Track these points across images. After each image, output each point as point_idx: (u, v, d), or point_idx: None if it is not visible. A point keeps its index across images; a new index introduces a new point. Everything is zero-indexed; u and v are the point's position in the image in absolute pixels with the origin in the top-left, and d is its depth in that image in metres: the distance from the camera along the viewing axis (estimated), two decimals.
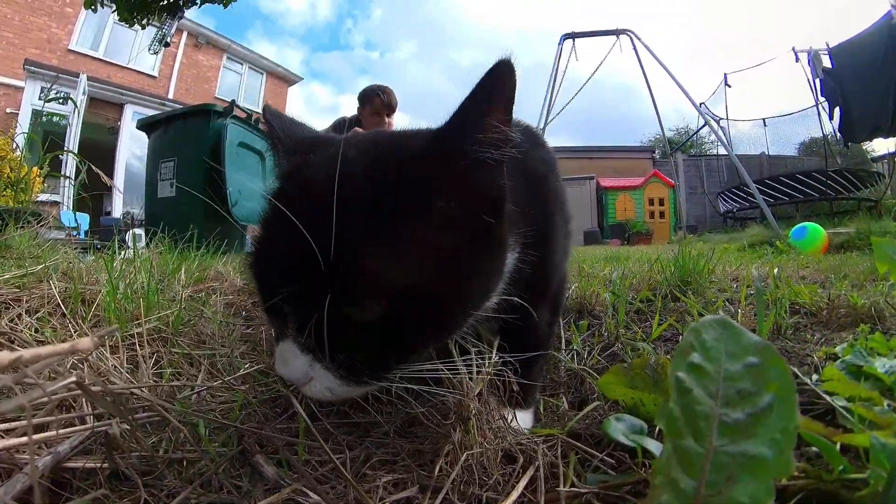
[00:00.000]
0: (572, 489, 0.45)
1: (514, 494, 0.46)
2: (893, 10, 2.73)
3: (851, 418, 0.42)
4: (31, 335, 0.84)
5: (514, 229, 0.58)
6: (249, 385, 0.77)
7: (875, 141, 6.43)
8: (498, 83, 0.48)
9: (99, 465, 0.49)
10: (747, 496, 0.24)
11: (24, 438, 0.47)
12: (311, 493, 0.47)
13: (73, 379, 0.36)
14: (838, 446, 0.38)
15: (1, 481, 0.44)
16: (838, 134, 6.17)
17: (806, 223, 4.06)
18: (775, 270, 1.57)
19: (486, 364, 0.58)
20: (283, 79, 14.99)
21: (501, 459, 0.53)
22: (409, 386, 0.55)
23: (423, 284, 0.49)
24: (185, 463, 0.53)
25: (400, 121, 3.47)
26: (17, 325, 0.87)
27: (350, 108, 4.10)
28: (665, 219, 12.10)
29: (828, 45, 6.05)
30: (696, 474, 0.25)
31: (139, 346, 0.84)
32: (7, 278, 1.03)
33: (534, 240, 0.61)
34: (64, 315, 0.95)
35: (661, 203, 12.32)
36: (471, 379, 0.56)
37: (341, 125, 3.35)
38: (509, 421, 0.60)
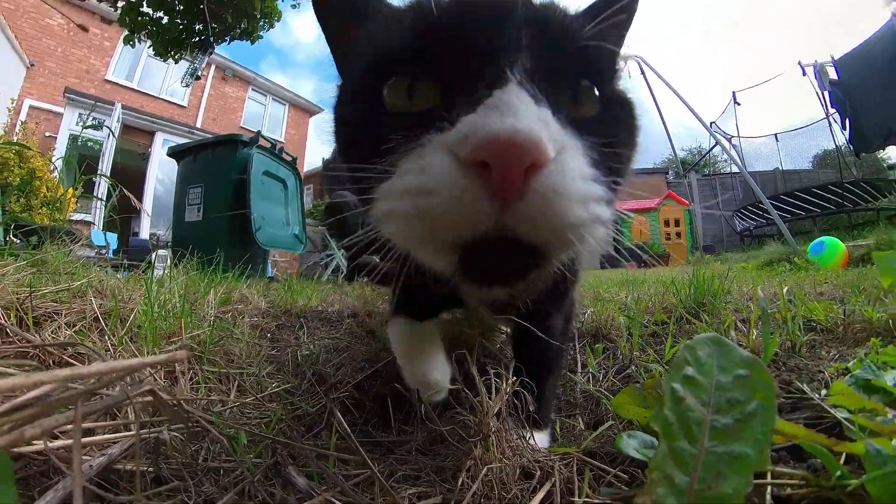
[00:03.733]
0: (587, 500, 0.47)
1: None
2: (894, 18, 2.77)
3: (854, 429, 0.44)
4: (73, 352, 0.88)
5: None
6: (277, 403, 0.81)
7: (891, 149, 6.29)
8: None
9: (146, 468, 0.51)
10: (732, 489, 0.27)
11: (88, 438, 0.51)
12: None
13: (149, 387, 0.40)
14: (843, 457, 0.40)
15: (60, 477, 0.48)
16: (849, 144, 6.07)
17: (824, 238, 3.96)
18: (787, 289, 1.55)
19: (505, 382, 0.59)
20: (305, 109, 15.40)
21: (520, 475, 0.54)
22: None
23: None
24: (221, 471, 0.55)
25: None
26: (57, 336, 0.90)
27: None
28: (682, 239, 11.96)
29: (832, 58, 6.02)
30: (689, 471, 0.28)
31: (179, 362, 0.88)
32: (46, 293, 1.07)
33: None
34: (101, 330, 0.97)
35: (677, 224, 12.22)
36: (490, 398, 0.57)
37: None
38: (527, 439, 0.60)
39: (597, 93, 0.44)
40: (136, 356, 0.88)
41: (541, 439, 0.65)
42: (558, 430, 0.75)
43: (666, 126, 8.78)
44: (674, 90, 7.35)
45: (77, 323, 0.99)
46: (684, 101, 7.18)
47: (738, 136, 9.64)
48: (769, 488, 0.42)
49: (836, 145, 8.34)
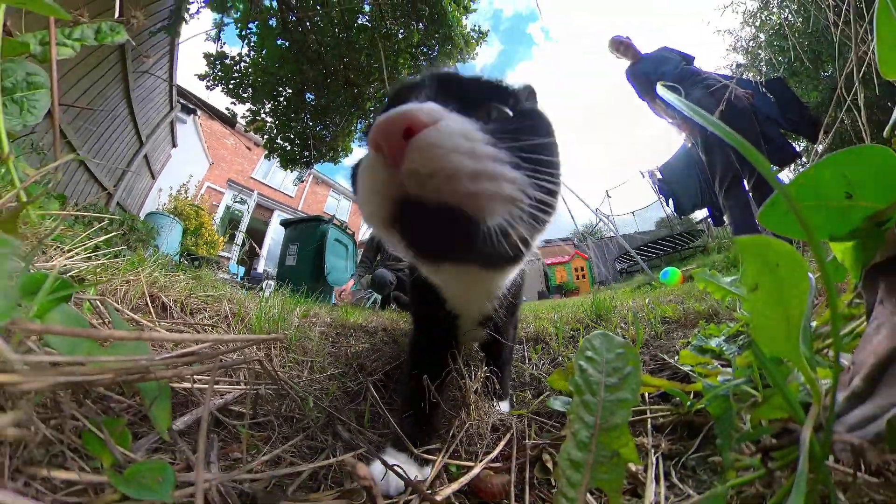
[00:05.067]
0: (533, 442, 0.44)
1: (498, 448, 0.45)
2: (686, 142, 3.19)
3: (695, 376, 0.43)
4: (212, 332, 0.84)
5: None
6: (333, 381, 0.78)
7: (697, 213, 7.09)
8: None
9: (248, 410, 0.50)
10: (620, 420, 0.26)
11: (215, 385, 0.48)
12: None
13: (258, 358, 0.39)
14: (692, 395, 0.39)
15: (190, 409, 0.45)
16: (674, 212, 6.79)
17: (668, 268, 4.04)
18: (649, 300, 1.57)
19: (480, 371, 0.58)
20: None
21: (490, 429, 0.52)
22: None
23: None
24: (294, 420, 0.53)
25: None
26: (202, 322, 0.87)
27: None
28: (586, 278, 12.35)
29: (657, 166, 6.86)
30: (593, 413, 0.27)
31: (272, 348, 0.85)
32: (199, 296, 1.07)
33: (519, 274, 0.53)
34: (228, 323, 0.96)
35: (582, 269, 12.71)
36: (470, 381, 0.55)
37: None
38: (495, 406, 0.58)
39: (507, 110, 0.35)
40: (251, 340, 0.86)
41: (504, 406, 0.63)
42: (515, 400, 0.71)
43: (571, 212, 9.35)
44: (572, 191, 7.89)
45: (215, 317, 0.98)
46: (579, 197, 7.69)
47: (613, 215, 10.54)
48: (649, 420, 0.40)
49: (666, 214, 9.12)
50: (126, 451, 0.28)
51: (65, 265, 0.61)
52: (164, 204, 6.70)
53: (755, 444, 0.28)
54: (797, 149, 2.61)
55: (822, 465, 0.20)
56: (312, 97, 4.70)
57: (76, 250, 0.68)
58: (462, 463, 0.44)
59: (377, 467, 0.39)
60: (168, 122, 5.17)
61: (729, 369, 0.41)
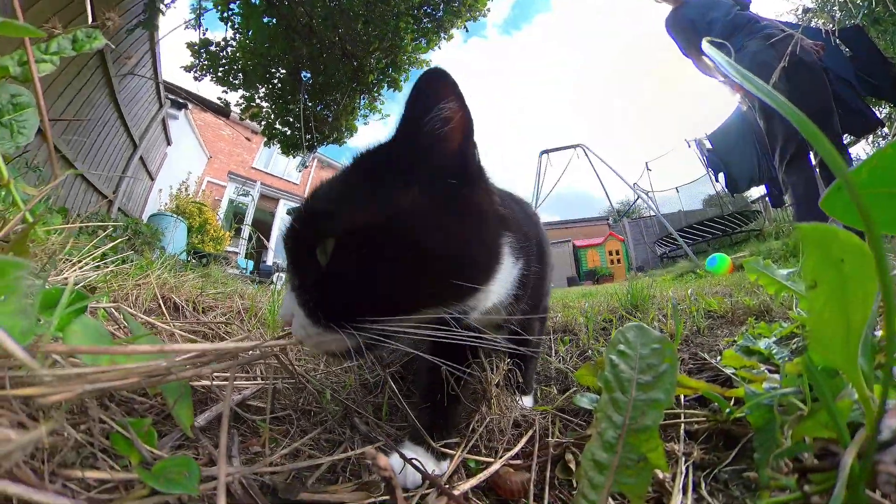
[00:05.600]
0: (557, 440, 0.45)
1: (519, 445, 0.47)
2: (741, 105, 2.89)
3: (738, 380, 0.42)
4: (224, 330, 0.92)
5: (518, 242, 0.45)
6: (350, 373, 0.82)
7: (752, 190, 6.56)
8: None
9: (267, 406, 0.53)
10: (651, 421, 0.26)
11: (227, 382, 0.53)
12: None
13: (276, 353, 0.42)
14: (733, 401, 0.38)
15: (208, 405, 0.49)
16: (726, 189, 6.27)
17: (715, 254, 3.82)
18: (692, 290, 1.51)
19: (502, 364, 0.58)
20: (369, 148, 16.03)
21: (512, 425, 0.53)
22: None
23: (381, 227, 0.35)
24: (312, 413, 0.57)
25: None
26: (215, 321, 0.93)
27: None
28: (621, 263, 11.80)
29: (706, 134, 6.29)
30: (622, 412, 0.27)
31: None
32: (210, 293, 1.14)
33: (535, 256, 0.53)
34: (241, 319, 1.01)
35: (618, 253, 12.13)
36: (492, 372, 0.56)
37: None
38: (517, 401, 0.59)
39: (320, 261, 0.38)
40: (265, 337, 0.91)
41: (527, 401, 0.64)
42: (539, 395, 0.72)
43: (605, 188, 8.83)
44: (607, 164, 7.54)
45: (227, 313, 1.04)
46: (614, 171, 7.34)
47: (653, 191, 9.88)
48: (682, 426, 0.40)
49: (716, 191, 8.44)
50: (153, 448, 0.31)
51: (76, 277, 0.66)
52: (166, 204, 6.99)
53: (794, 463, 0.27)
54: (878, 115, 2.32)
55: (861, 495, 0.19)
56: (309, 76, 4.60)
57: (85, 261, 0.74)
58: (481, 458, 0.46)
59: (395, 460, 0.41)
60: (159, 120, 5.28)
61: (777, 376, 0.40)
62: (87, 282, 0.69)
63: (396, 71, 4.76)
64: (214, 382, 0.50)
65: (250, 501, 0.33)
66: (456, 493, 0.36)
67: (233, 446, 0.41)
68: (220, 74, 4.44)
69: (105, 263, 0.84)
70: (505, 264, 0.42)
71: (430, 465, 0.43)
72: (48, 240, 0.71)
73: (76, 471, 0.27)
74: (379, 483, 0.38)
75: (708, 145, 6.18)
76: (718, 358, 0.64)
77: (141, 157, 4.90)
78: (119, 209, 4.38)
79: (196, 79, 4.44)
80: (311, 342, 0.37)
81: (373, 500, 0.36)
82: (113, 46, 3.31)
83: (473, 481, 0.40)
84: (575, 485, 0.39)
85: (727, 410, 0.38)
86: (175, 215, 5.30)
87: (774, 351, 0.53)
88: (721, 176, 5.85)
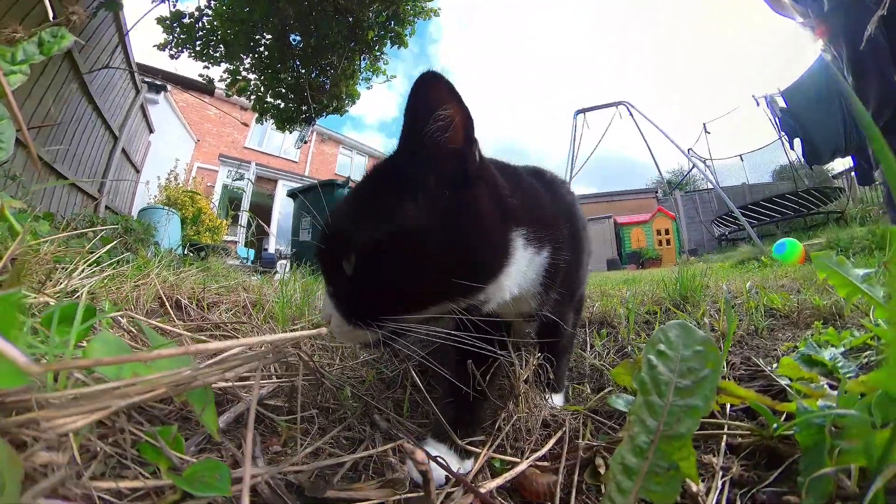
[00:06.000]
0: (587, 443, 0.48)
1: (547, 446, 0.50)
2: (824, 55, 2.54)
3: (792, 393, 0.42)
4: (232, 326, 0.98)
5: (537, 233, 0.51)
6: (367, 368, 0.87)
7: (836, 161, 5.81)
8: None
9: (284, 404, 0.58)
10: (686, 429, 0.28)
11: (246, 382, 0.59)
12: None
13: (296, 351, 0.47)
14: (784, 416, 0.39)
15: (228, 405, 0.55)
16: (802, 160, 5.60)
17: (785, 239, 3.57)
18: (750, 283, 1.45)
19: (532, 358, 0.61)
20: (378, 158, 15.91)
21: (540, 425, 0.56)
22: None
23: (389, 242, 0.44)
24: (331, 410, 0.61)
25: None
26: (221, 318, 1.00)
27: None
28: (671, 245, 11.24)
29: (779, 90, 5.58)
30: (657, 417, 0.29)
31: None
32: (213, 289, 1.21)
33: (567, 244, 0.57)
34: (248, 314, 1.08)
35: (667, 232, 11.53)
36: (521, 369, 0.59)
37: None
38: (546, 399, 0.62)
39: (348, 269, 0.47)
40: (274, 332, 0.98)
41: (557, 400, 0.66)
42: (571, 393, 0.75)
43: (653, 155, 8.30)
44: (655, 125, 7.01)
45: (232, 309, 1.10)
46: (665, 133, 6.82)
47: (711, 159, 9.11)
48: (724, 437, 0.41)
49: (790, 161, 7.75)
50: (181, 454, 0.36)
51: (75, 286, 0.72)
52: (156, 196, 7.17)
53: (838, 490, 0.28)
54: None
55: None
56: (298, 39, 4.50)
57: (81, 268, 0.80)
58: (507, 458, 0.49)
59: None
60: (138, 107, 5.29)
61: (835, 392, 0.39)
62: (87, 289, 0.74)
63: (399, 24, 4.58)
64: (233, 384, 0.56)
65: (278, 501, 0.38)
66: (482, 490, 0.39)
67: (255, 447, 0.46)
68: (198, 48, 4.38)
69: (102, 268, 0.89)
70: (517, 257, 0.49)
71: (454, 464, 0.47)
72: (40, 251, 0.75)
73: (109, 482, 0.31)
74: (404, 480, 0.43)
75: (781, 103, 5.53)
76: (774, 365, 0.64)
77: (123, 149, 4.98)
78: (107, 207, 4.51)
79: (172, 57, 4.38)
80: (345, 337, 0.48)
81: (398, 497, 0.41)
82: (83, 42, 3.33)
83: (499, 480, 0.44)
84: (603, 490, 0.41)
85: (774, 426, 0.39)
86: (166, 207, 5.44)
87: (840, 364, 0.52)
88: (797, 143, 5.28)
